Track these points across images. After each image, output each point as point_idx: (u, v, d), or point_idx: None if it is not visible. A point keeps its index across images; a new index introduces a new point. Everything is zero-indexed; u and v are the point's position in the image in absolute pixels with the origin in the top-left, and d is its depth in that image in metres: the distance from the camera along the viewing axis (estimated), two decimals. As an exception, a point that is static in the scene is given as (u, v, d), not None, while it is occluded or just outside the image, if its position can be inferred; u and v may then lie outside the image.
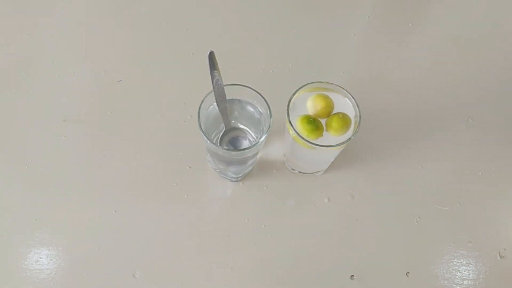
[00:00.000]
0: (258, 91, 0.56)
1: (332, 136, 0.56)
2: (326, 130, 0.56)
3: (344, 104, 0.57)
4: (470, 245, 0.64)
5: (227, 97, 0.56)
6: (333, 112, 0.57)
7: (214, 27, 0.78)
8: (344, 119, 0.56)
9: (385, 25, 0.80)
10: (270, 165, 0.68)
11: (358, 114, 0.56)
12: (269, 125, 0.55)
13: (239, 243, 0.63)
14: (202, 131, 0.54)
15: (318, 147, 0.55)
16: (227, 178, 0.66)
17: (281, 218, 0.65)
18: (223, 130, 0.60)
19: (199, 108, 0.55)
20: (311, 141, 0.55)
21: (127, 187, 0.65)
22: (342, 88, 0.57)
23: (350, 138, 0.55)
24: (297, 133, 0.55)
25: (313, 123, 0.55)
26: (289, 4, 0.81)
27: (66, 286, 0.60)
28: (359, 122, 0.56)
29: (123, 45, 0.76)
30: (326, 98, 0.56)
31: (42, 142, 0.68)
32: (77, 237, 0.62)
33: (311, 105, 0.56)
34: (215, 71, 0.53)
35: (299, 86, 0.57)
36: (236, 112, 0.61)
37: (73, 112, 0.70)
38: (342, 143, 0.55)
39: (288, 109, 0.56)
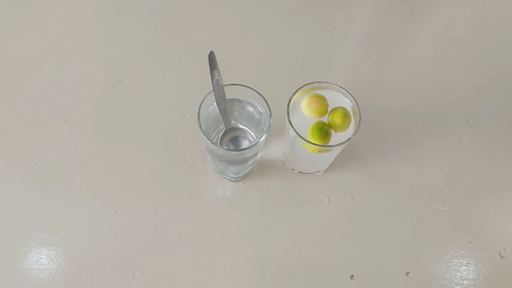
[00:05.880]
0: (258, 91, 0.56)
1: (334, 133, 0.56)
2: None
3: (344, 104, 0.57)
4: (470, 245, 0.64)
5: (227, 97, 0.56)
6: (329, 107, 0.57)
7: (214, 27, 0.78)
8: (345, 113, 0.56)
9: (385, 25, 0.80)
10: (270, 165, 0.68)
11: (358, 114, 0.56)
12: (269, 125, 0.55)
13: (239, 243, 0.63)
14: (202, 131, 0.54)
15: (319, 147, 0.55)
16: (227, 178, 0.66)
17: (281, 218, 0.65)
18: (223, 130, 0.60)
19: (199, 108, 0.55)
20: (313, 142, 0.55)
21: (127, 187, 0.65)
22: (342, 88, 0.57)
23: (350, 138, 0.55)
24: (302, 137, 0.55)
25: (323, 129, 0.55)
26: (289, 4, 0.80)
27: (66, 286, 0.60)
28: (359, 122, 0.56)
29: (123, 45, 0.76)
30: (321, 97, 0.56)
31: (42, 142, 0.68)
32: (77, 237, 0.62)
33: (306, 107, 0.56)
34: (215, 71, 0.53)
35: (299, 86, 0.57)
36: (236, 112, 0.61)
37: (73, 112, 0.70)
38: (342, 143, 0.55)
39: (288, 109, 0.56)
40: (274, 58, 0.75)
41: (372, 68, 0.75)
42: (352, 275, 0.62)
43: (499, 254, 0.64)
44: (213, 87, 0.54)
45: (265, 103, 0.55)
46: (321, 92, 0.57)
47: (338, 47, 0.78)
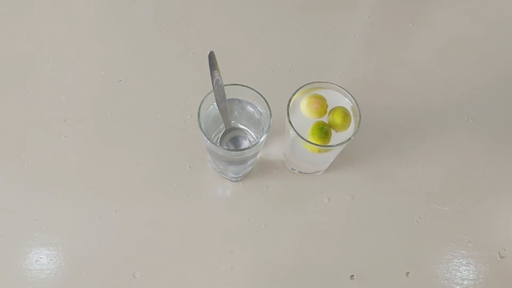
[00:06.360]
0: (258, 91, 0.56)
1: (334, 133, 0.56)
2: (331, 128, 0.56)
3: (344, 104, 0.57)
4: (470, 245, 0.64)
5: (227, 97, 0.56)
6: (328, 108, 0.57)
7: (214, 27, 0.78)
8: (345, 113, 0.56)
9: (385, 26, 0.80)
10: (270, 165, 0.68)
11: (358, 114, 0.56)
12: (269, 125, 0.55)
13: (239, 243, 0.63)
14: (202, 131, 0.54)
15: (319, 147, 0.55)
16: (227, 178, 0.66)
17: (281, 218, 0.65)
18: (223, 130, 0.60)
19: (199, 108, 0.55)
20: (313, 142, 0.55)
21: (127, 187, 0.65)
22: (342, 88, 0.57)
23: (350, 138, 0.55)
24: (302, 137, 0.55)
25: (323, 129, 0.55)
26: (289, 4, 0.80)
27: (66, 286, 0.60)
28: (359, 122, 0.56)
29: (123, 45, 0.76)
30: (320, 97, 0.56)
31: (42, 142, 0.68)
32: (77, 237, 0.62)
33: (306, 107, 0.56)
34: (215, 71, 0.53)
35: (299, 86, 0.57)
36: (236, 112, 0.61)
37: (73, 112, 0.70)
38: (342, 143, 0.55)
39: (288, 109, 0.56)
40: (274, 58, 0.75)
41: (372, 68, 0.75)
42: (352, 275, 0.62)
43: (499, 254, 0.64)
44: (213, 87, 0.54)
45: (265, 103, 0.55)
46: (321, 92, 0.57)
47: (338, 47, 0.78)
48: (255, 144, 0.55)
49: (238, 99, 0.59)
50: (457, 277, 0.62)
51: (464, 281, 0.62)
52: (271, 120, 0.55)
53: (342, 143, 0.55)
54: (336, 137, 0.56)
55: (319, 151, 0.57)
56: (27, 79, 0.72)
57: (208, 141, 0.54)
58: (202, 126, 0.55)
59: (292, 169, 0.67)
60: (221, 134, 0.60)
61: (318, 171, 0.67)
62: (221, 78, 0.54)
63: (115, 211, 0.64)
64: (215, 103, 0.56)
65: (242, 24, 0.79)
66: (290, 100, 0.57)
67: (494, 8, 0.82)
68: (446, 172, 0.68)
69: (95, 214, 0.63)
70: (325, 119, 0.57)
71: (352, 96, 0.57)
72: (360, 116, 0.56)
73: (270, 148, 0.68)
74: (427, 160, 0.69)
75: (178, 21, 0.78)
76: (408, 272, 0.62)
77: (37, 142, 0.68)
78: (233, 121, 0.61)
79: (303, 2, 0.81)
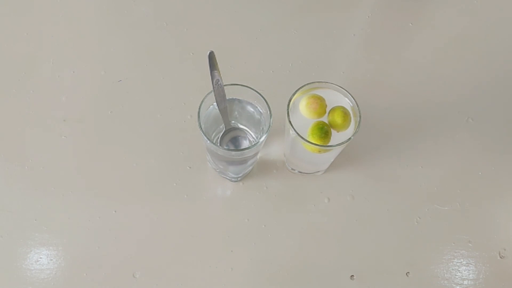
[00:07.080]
0: (258, 91, 0.56)
1: (334, 133, 0.56)
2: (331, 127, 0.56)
3: (344, 104, 0.57)
4: (470, 245, 0.64)
5: (227, 97, 0.56)
6: (328, 108, 0.57)
7: (214, 27, 0.78)
8: (345, 112, 0.56)
9: (385, 25, 0.80)
10: (270, 165, 0.68)
11: (358, 114, 0.56)
12: (269, 125, 0.55)
13: (239, 243, 0.63)
14: (202, 131, 0.54)
15: (319, 147, 0.55)
16: (227, 178, 0.66)
17: (281, 218, 0.65)
18: (223, 130, 0.60)
19: (199, 108, 0.55)
20: (313, 142, 0.55)
21: (127, 187, 0.65)
22: (342, 88, 0.57)
23: (350, 138, 0.55)
24: (302, 137, 0.55)
25: (323, 129, 0.55)
26: (289, 4, 0.80)
27: (66, 286, 0.60)
28: (359, 122, 0.56)
29: (123, 45, 0.76)
30: (319, 97, 0.56)
31: (42, 142, 0.68)
32: (77, 237, 0.62)
33: (305, 107, 0.56)
34: (215, 71, 0.53)
35: (299, 86, 0.57)
36: (236, 112, 0.61)
37: (73, 112, 0.70)
38: (342, 143, 0.55)
39: (288, 109, 0.56)
40: (274, 58, 0.75)
41: (372, 68, 0.75)
42: (352, 275, 0.62)
43: (499, 254, 0.64)
44: (213, 87, 0.54)
45: (265, 103, 0.55)
46: (321, 92, 0.57)
47: (338, 47, 0.78)
48: (255, 144, 0.55)
49: (238, 99, 0.59)
50: (457, 277, 0.62)
51: (464, 281, 0.62)
52: (271, 120, 0.55)
53: (342, 143, 0.55)
54: (336, 137, 0.56)
55: (319, 151, 0.57)
56: (27, 79, 0.72)
57: (208, 141, 0.54)
58: (202, 126, 0.55)
59: (292, 169, 0.67)
60: (221, 134, 0.60)
61: (318, 171, 0.67)
62: (221, 78, 0.54)
63: (115, 211, 0.64)
64: (215, 103, 0.56)
65: (242, 24, 0.78)
66: (290, 100, 0.57)
67: (494, 8, 0.82)
68: (446, 172, 0.68)
69: (95, 214, 0.63)
70: (325, 119, 0.57)
71: (352, 96, 0.57)
72: (360, 116, 0.56)
73: (270, 148, 0.68)
74: (427, 160, 0.69)
75: (178, 21, 0.78)
76: (408, 272, 0.62)
77: (37, 142, 0.68)
78: (233, 121, 0.61)
79: (303, 2, 0.81)
